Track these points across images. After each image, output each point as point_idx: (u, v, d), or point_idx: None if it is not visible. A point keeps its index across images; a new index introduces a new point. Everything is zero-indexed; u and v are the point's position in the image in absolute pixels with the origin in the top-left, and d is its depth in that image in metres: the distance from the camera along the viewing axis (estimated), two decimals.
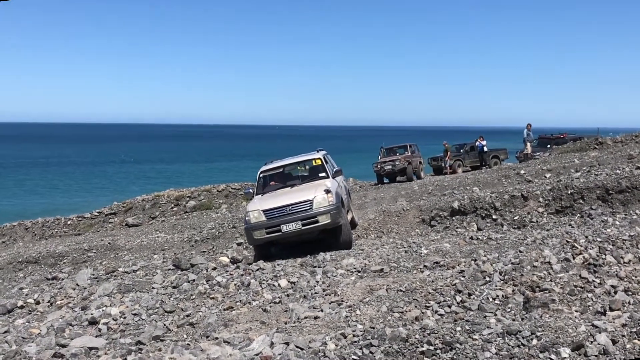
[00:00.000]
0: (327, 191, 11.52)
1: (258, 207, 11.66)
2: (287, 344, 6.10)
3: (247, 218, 11.66)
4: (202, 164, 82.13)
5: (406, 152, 28.10)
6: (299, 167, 13.63)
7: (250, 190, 13.28)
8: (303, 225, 11.26)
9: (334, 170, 13.03)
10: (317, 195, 11.42)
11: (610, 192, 11.82)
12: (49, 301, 10.94)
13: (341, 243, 11.71)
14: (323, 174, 12.81)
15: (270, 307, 8.11)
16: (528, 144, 27.90)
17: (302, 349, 5.92)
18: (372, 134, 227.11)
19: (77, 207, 33.15)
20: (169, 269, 12.25)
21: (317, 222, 11.26)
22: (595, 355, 4.97)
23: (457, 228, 12.81)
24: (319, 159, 13.11)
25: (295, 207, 11.36)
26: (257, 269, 10.45)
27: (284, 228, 11.24)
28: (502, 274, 7.17)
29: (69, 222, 24.36)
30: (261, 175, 13.14)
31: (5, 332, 8.84)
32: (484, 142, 30.28)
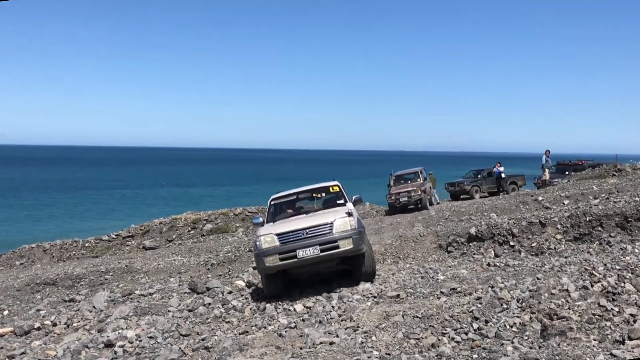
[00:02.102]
0: (349, 214, 10.44)
1: (271, 230, 10.44)
2: None
3: (257, 243, 10.38)
4: (221, 188, 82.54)
5: (418, 179, 26.38)
6: (314, 195, 12.38)
7: (260, 218, 11.54)
8: (322, 250, 10.01)
9: (353, 199, 11.51)
10: (337, 218, 10.29)
11: (630, 219, 11.71)
12: (65, 323, 11.02)
13: (363, 274, 10.64)
14: (342, 202, 11.55)
15: (286, 331, 8.09)
16: (546, 170, 27.73)
17: None
18: (387, 159, 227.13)
19: (96, 229, 33.37)
20: (185, 293, 12.29)
21: (337, 247, 10.05)
22: None
23: (474, 254, 12.74)
24: (337, 185, 12.01)
25: (312, 231, 10.15)
26: None
27: (300, 254, 10.00)
28: (520, 301, 7.10)
29: (86, 245, 24.54)
30: (272, 202, 11.96)
31: (22, 353, 8.91)
32: (502, 169, 30.12)
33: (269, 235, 10.30)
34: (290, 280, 11.13)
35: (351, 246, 10.08)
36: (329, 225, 10.19)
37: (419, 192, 24.70)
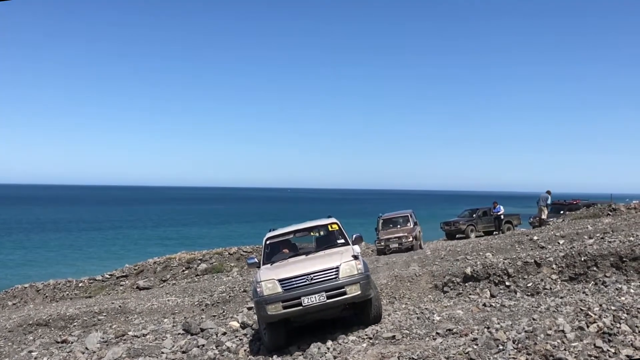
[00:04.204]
0: (355, 257, 9.81)
1: (272, 276, 9.62)
2: None
3: (258, 289, 9.57)
4: (216, 227, 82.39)
5: (408, 224, 25.25)
6: (312, 233, 11.65)
7: (255, 259, 10.85)
8: (328, 297, 9.36)
9: (354, 237, 10.73)
10: (343, 262, 9.66)
11: (625, 259, 11.71)
12: None
13: (371, 319, 10.16)
14: (342, 241, 10.91)
15: None
16: (544, 209, 27.78)
17: None
18: (382, 198, 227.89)
19: (90, 269, 33.11)
20: (179, 334, 12.19)
21: (344, 293, 9.43)
22: None
23: (470, 294, 12.68)
24: (336, 223, 11.26)
25: (318, 276, 9.47)
26: None
27: (306, 301, 9.29)
28: (516, 342, 7.08)
29: (80, 285, 24.36)
30: (267, 242, 11.11)
31: None
32: (502, 208, 30.23)
33: (270, 281, 9.54)
34: (292, 328, 10.43)
35: (359, 292, 9.52)
36: (334, 270, 9.57)
37: (410, 239, 23.83)
